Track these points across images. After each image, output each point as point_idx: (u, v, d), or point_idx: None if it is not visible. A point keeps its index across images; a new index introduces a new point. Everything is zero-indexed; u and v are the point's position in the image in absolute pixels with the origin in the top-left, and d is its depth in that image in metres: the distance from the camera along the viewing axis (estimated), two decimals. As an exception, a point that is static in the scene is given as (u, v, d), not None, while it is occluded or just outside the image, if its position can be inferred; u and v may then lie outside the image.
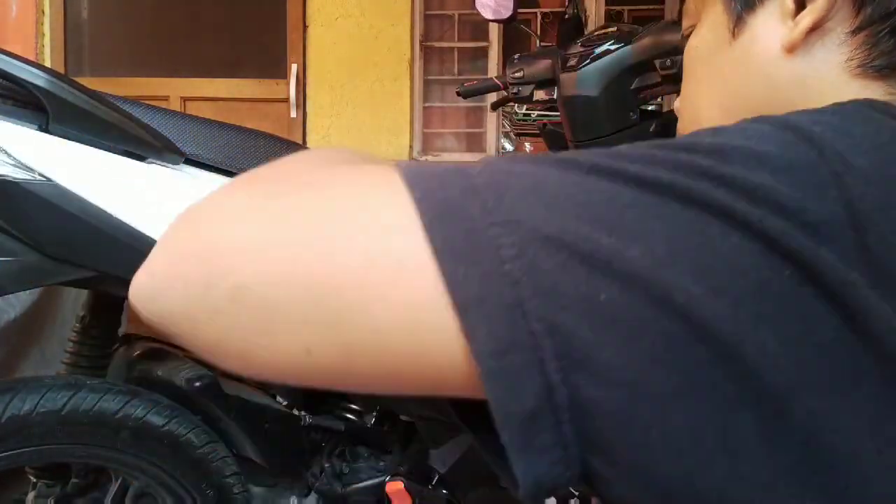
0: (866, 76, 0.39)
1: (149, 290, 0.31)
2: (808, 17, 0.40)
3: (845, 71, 0.40)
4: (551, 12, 4.01)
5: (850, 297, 0.27)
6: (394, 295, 0.28)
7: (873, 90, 0.39)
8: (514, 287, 0.27)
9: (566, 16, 1.43)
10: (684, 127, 0.51)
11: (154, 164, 0.83)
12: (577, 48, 1.24)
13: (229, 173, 0.90)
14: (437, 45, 3.53)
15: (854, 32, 0.39)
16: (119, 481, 1.01)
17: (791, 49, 0.41)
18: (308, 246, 0.29)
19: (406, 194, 0.29)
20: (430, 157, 3.48)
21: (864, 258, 0.27)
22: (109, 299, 1.02)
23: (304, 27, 3.42)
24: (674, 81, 1.15)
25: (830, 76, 0.40)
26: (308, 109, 3.45)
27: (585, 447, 0.28)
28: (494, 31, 3.46)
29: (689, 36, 0.50)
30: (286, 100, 3.38)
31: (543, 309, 0.27)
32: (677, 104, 0.53)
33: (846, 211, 0.28)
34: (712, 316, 0.27)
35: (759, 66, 0.43)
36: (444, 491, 1.10)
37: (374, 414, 1.06)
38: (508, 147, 3.72)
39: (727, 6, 0.44)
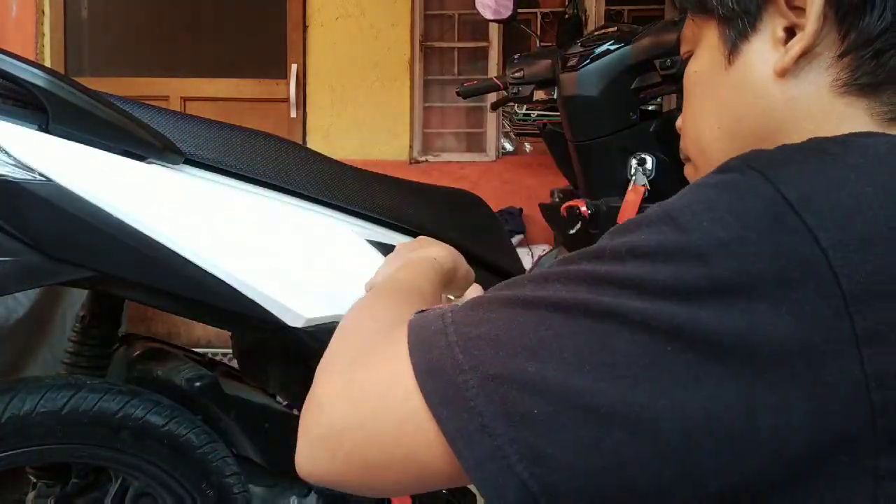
0: (850, 94, 0.43)
1: (308, 464, 0.47)
2: (797, 45, 0.44)
3: (832, 91, 0.44)
4: (551, 12, 4.00)
5: (736, 338, 0.35)
6: (409, 433, 0.41)
7: (857, 106, 0.43)
8: (480, 417, 0.38)
9: (566, 16, 1.43)
10: (686, 145, 0.55)
11: (154, 164, 0.83)
12: (577, 48, 1.24)
13: (229, 173, 0.90)
14: (437, 45, 3.53)
15: (840, 56, 0.43)
16: (119, 481, 1.01)
17: (782, 73, 0.45)
18: (366, 418, 0.43)
19: (409, 362, 0.42)
20: (429, 158, 3.48)
21: (740, 304, 0.35)
22: (109, 299, 1.02)
23: (304, 27, 3.42)
24: (674, 81, 1.15)
25: (819, 96, 0.44)
26: (308, 109, 3.45)
27: None
28: (494, 31, 3.46)
29: (687, 60, 0.54)
30: (286, 100, 3.38)
31: (501, 428, 0.38)
32: (679, 122, 0.56)
33: (709, 280, 0.36)
34: (615, 401, 0.36)
35: (753, 90, 0.47)
36: (444, 491, 1.10)
37: (374, 414, 1.06)
38: (508, 147, 3.71)
39: (722, 35, 0.48)
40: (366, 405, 0.43)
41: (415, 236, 1.01)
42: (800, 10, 0.44)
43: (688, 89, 0.53)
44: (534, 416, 0.37)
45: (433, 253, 0.73)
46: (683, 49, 0.55)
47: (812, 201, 0.36)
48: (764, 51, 0.46)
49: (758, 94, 0.46)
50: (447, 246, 0.76)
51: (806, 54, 0.44)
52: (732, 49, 0.48)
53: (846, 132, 0.42)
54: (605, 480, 0.37)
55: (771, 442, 0.35)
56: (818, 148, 0.40)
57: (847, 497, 0.36)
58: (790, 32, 0.45)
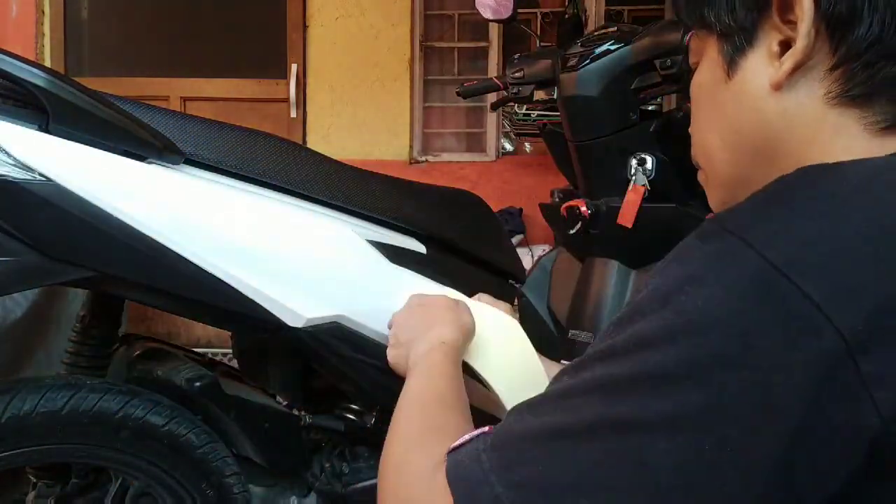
0: (842, 104, 0.44)
1: None
2: (790, 59, 0.45)
3: (825, 103, 0.45)
4: (551, 12, 4.00)
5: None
6: None
7: (849, 116, 0.44)
8: None
9: (566, 16, 1.44)
10: (696, 153, 0.56)
11: (154, 164, 0.83)
12: (577, 48, 1.24)
13: (229, 173, 0.90)
14: (437, 45, 3.53)
15: (832, 69, 0.44)
16: (119, 481, 1.01)
17: (777, 87, 0.46)
18: None
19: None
20: (429, 158, 3.48)
21: (752, 375, 0.36)
22: (109, 299, 1.02)
23: (304, 27, 3.42)
24: (674, 81, 1.15)
25: (813, 108, 0.45)
26: (308, 109, 3.45)
27: None
28: (494, 31, 3.46)
29: (695, 71, 0.55)
30: (286, 100, 3.38)
31: None
32: (692, 129, 0.58)
33: (716, 357, 0.37)
34: None
35: (750, 103, 0.48)
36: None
37: (374, 414, 1.06)
38: (508, 147, 3.71)
39: (721, 50, 0.50)
40: None
41: (415, 236, 1.01)
42: (794, 24, 0.45)
43: (694, 100, 0.55)
44: None
45: (440, 336, 0.75)
46: (692, 60, 0.57)
47: (796, 260, 0.37)
48: (760, 65, 0.47)
49: (754, 107, 0.48)
50: (445, 315, 0.79)
51: (799, 68, 0.45)
52: (731, 64, 0.49)
53: (839, 143, 0.44)
54: None
55: (801, 498, 0.36)
56: (788, 195, 0.41)
57: None
58: (785, 46, 0.46)
